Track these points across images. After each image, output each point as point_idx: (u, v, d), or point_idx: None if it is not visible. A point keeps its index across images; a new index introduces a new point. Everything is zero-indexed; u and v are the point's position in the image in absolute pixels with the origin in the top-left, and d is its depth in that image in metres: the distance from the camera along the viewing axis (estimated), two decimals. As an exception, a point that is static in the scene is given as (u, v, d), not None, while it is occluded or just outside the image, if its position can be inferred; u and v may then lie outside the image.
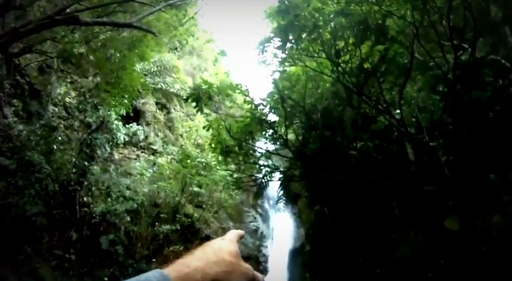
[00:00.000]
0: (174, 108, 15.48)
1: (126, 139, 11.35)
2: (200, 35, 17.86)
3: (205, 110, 10.23)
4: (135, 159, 12.95)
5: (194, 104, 9.17)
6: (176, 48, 15.94)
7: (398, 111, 7.68)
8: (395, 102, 7.88)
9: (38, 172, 8.67)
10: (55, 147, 9.07)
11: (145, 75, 12.43)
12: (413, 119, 8.15)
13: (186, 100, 9.79)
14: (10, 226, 7.91)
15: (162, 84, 14.22)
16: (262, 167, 11.17)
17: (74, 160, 9.38)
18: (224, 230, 13.37)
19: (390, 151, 8.79)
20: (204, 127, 10.43)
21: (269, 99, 9.76)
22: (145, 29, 8.60)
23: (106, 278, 9.30)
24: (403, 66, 7.41)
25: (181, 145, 14.26)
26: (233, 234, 0.87)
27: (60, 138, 9.42)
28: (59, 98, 10.39)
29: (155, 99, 14.53)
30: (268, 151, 10.90)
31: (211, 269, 0.73)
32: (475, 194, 6.87)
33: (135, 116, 12.56)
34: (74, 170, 9.47)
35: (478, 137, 6.90)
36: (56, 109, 10.38)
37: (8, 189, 8.16)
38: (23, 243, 8.19)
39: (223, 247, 0.79)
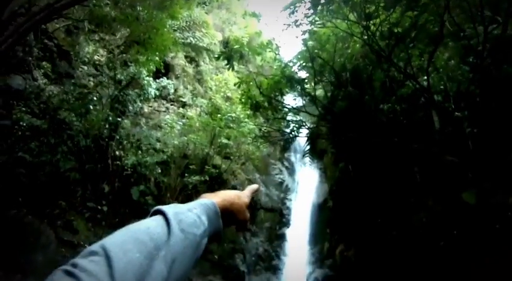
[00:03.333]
0: (203, 62, 15.47)
1: (157, 94, 11.56)
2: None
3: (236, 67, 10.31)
4: (165, 112, 13.22)
5: (226, 62, 9.28)
6: (205, 3, 15.69)
7: (425, 78, 7.56)
8: (424, 68, 7.72)
9: (69, 129, 9.03)
10: (89, 106, 9.37)
11: (175, 30, 12.41)
12: (442, 87, 7.97)
13: (217, 58, 9.88)
14: (45, 183, 8.39)
15: (192, 39, 14.16)
16: (290, 122, 11.37)
17: (105, 115, 9.68)
18: (250, 182, 13.76)
19: (416, 116, 8.68)
20: (235, 84, 10.59)
21: (299, 57, 9.79)
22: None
23: (137, 228, 9.86)
24: (434, 35, 7.17)
25: (211, 98, 14.41)
26: (247, 188, 1.14)
27: (90, 95, 9.69)
28: (88, 56, 10.54)
29: (184, 53, 14.56)
30: (296, 108, 11.01)
31: (225, 195, 0.98)
32: (496, 171, 6.82)
33: (164, 69, 12.69)
34: (105, 126, 9.81)
35: (505, 113, 6.73)
36: (85, 68, 10.58)
37: (41, 148, 8.56)
38: (57, 198, 8.71)
39: (232, 190, 1.04)
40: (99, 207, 9.70)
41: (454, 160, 7.35)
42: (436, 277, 7.39)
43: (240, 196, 1.01)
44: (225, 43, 16.60)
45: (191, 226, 0.76)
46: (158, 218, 0.74)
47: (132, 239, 0.65)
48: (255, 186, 1.15)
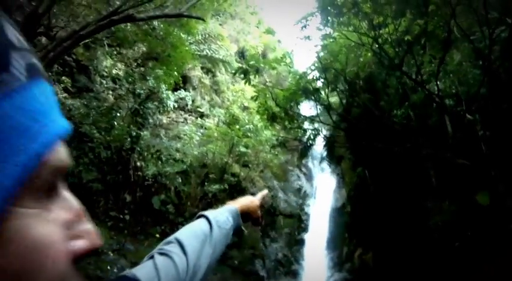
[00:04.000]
0: (219, 72, 15.81)
1: (175, 105, 11.91)
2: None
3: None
4: (183, 122, 13.57)
5: (242, 76, 9.64)
6: (219, 14, 16.08)
7: (437, 83, 7.72)
8: (435, 73, 7.87)
9: (90, 141, 9.41)
10: (113, 122, 9.73)
11: (191, 43, 12.78)
12: (454, 91, 8.11)
13: (234, 74, 10.27)
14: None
15: (208, 51, 14.52)
16: (306, 131, 11.61)
17: (126, 128, 10.05)
18: (269, 189, 13.98)
19: (429, 121, 8.81)
20: (251, 97, 10.90)
21: (312, 68, 10.06)
22: (195, 17, 8.98)
23: (158, 235, 10.16)
24: (443, 40, 7.34)
25: (228, 107, 14.73)
26: (259, 194, 1.46)
27: (113, 110, 10.05)
28: (106, 70, 10.92)
29: (200, 64, 14.92)
30: (312, 116, 11.25)
31: (241, 201, 1.31)
32: (509, 174, 6.92)
33: (182, 81, 13.04)
34: (126, 138, 10.17)
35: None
36: (104, 82, 10.95)
37: None
38: (81, 208, 9.07)
39: (248, 196, 1.38)
40: (121, 216, 10.03)
41: (465, 163, 7.46)
42: (451, 277, 7.49)
43: (253, 200, 1.35)
44: (240, 53, 16.95)
45: (223, 223, 1.12)
46: (203, 220, 1.10)
47: (191, 232, 1.02)
48: (264, 191, 1.49)
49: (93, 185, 9.38)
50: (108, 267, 8.84)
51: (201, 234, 1.02)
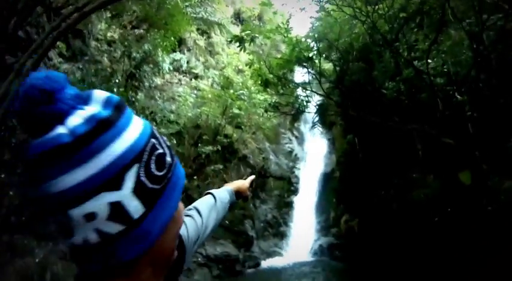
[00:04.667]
0: (214, 33, 15.62)
1: (171, 68, 11.88)
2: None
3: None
4: (177, 83, 13.54)
5: (238, 43, 9.63)
6: (215, -23, 15.68)
7: (429, 61, 7.79)
8: (430, 50, 7.92)
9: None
10: (114, 88, 9.73)
11: (187, 6, 12.55)
12: (445, 70, 8.17)
13: (230, 42, 10.25)
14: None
15: (203, 13, 14.26)
16: (298, 97, 11.73)
17: (123, 93, 10.07)
18: (260, 151, 14.25)
19: (419, 97, 8.91)
20: (246, 64, 10.93)
21: (307, 38, 10.06)
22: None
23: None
24: (437, 21, 7.34)
25: (222, 69, 14.68)
26: (248, 178, 1.89)
27: (104, 72, 10.02)
28: (101, 33, 10.74)
29: (196, 26, 14.71)
30: (304, 83, 11.33)
31: (235, 183, 1.74)
32: (493, 156, 7.15)
33: (177, 43, 12.92)
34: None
35: (505, 100, 6.97)
36: (99, 45, 10.80)
37: None
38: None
39: (240, 180, 1.83)
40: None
41: (450, 142, 7.66)
42: (428, 248, 7.86)
43: (243, 183, 1.79)
44: (236, 15, 16.66)
45: (223, 198, 1.55)
46: (210, 196, 1.53)
47: (203, 203, 1.46)
48: (252, 176, 1.92)
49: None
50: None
51: (209, 204, 1.46)
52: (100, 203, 0.60)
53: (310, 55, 10.52)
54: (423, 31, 8.04)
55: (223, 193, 1.58)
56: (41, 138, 0.60)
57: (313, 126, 13.18)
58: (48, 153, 0.59)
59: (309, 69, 10.75)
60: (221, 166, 12.63)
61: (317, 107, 12.21)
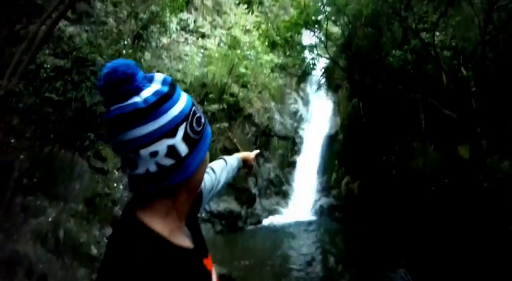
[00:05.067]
0: (222, -8, 15.27)
1: (178, 28, 11.78)
2: None
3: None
4: (184, 42, 13.45)
5: (246, 5, 9.58)
6: None
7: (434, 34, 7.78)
8: (439, 23, 7.88)
9: (92, 65, 9.50)
10: (123, 51, 9.70)
11: (194, -36, 12.29)
12: (453, 44, 8.16)
13: (238, 4, 10.13)
14: (73, 118, 9.06)
15: (212, -28, 13.97)
16: (305, 59, 11.75)
17: (132, 54, 10.05)
18: (266, 110, 14.38)
19: (425, 68, 8.93)
20: (254, 26, 10.85)
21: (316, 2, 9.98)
22: None
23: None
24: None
25: (229, 28, 14.50)
26: (253, 152, 2.16)
27: (109, 31, 9.93)
28: (106, -7, 10.62)
29: (204, -16, 14.40)
30: (311, 45, 11.32)
31: (243, 153, 2.05)
32: (494, 134, 7.29)
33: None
34: (125, 58, 10.18)
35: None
36: (104, 6, 10.59)
37: (66, 86, 9.05)
38: (86, 131, 9.46)
39: (246, 152, 2.10)
40: (124, 134, 10.48)
41: (451, 115, 7.78)
42: (423, 216, 8.16)
43: (250, 154, 2.06)
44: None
45: (233, 163, 1.89)
46: (222, 160, 1.85)
47: (216, 164, 1.78)
48: (257, 151, 2.19)
49: (97, 108, 9.65)
50: (115, 184, 9.52)
51: (222, 165, 1.78)
52: (161, 145, 0.95)
53: (318, 18, 10.46)
54: (433, 3, 7.94)
55: (233, 159, 1.91)
56: (119, 105, 0.93)
57: (318, 88, 13.26)
58: (127, 114, 0.92)
59: (316, 33, 10.71)
60: (226, 124, 12.82)
61: (323, 70, 12.24)
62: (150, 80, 0.98)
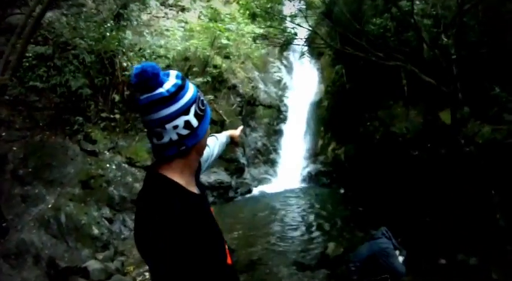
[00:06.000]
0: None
1: (157, 4, 11.64)
2: None
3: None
4: (164, 17, 13.31)
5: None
6: None
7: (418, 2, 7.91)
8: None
9: (73, 49, 9.45)
10: (106, 33, 9.61)
11: None
12: (434, 13, 8.31)
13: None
14: (59, 103, 9.10)
15: None
16: (286, 29, 11.76)
17: (116, 36, 9.96)
18: (249, 79, 14.46)
19: (406, 36, 9.08)
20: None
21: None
22: None
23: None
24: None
25: (208, 0, 14.33)
26: (239, 128, 2.46)
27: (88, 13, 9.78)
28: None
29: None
30: (292, 15, 11.32)
31: (230, 131, 2.37)
32: (476, 100, 7.57)
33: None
34: (114, 42, 10.16)
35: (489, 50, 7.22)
36: None
37: (49, 72, 9.04)
38: (74, 114, 9.50)
39: (233, 130, 2.40)
40: (112, 116, 10.55)
41: (431, 81, 7.99)
42: (407, 180, 8.51)
43: (236, 131, 2.35)
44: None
45: (222, 139, 2.21)
46: (213, 136, 2.13)
47: (210, 140, 2.04)
48: (241, 127, 2.56)
49: (82, 91, 9.67)
50: (107, 165, 9.66)
51: (214, 140, 2.10)
52: (180, 121, 1.30)
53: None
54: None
55: (222, 136, 2.25)
56: (149, 94, 1.25)
57: (301, 56, 13.31)
58: (155, 100, 1.25)
59: (296, 2, 10.73)
60: (211, 96, 12.89)
61: (305, 38, 12.29)
62: (168, 75, 1.32)
